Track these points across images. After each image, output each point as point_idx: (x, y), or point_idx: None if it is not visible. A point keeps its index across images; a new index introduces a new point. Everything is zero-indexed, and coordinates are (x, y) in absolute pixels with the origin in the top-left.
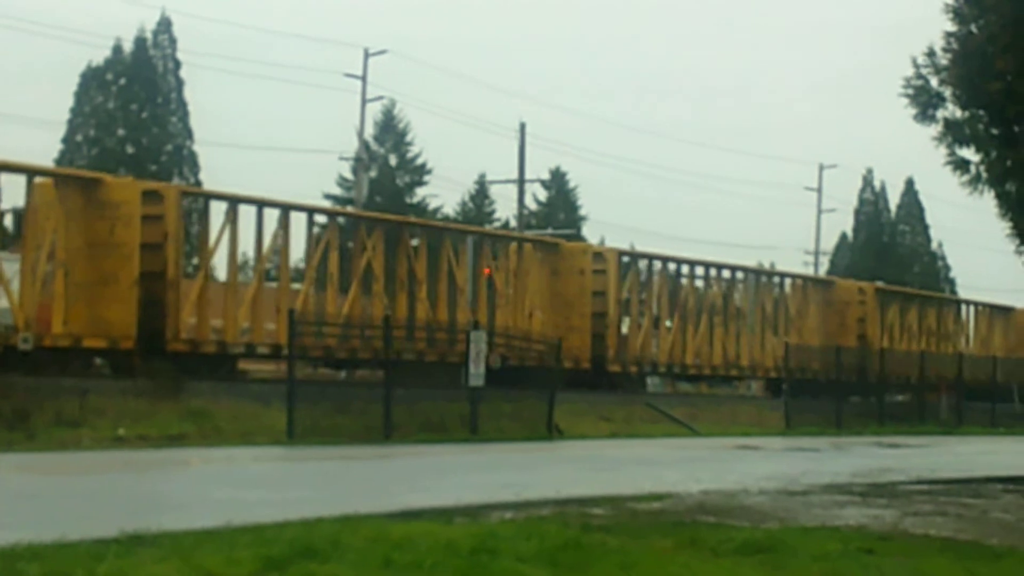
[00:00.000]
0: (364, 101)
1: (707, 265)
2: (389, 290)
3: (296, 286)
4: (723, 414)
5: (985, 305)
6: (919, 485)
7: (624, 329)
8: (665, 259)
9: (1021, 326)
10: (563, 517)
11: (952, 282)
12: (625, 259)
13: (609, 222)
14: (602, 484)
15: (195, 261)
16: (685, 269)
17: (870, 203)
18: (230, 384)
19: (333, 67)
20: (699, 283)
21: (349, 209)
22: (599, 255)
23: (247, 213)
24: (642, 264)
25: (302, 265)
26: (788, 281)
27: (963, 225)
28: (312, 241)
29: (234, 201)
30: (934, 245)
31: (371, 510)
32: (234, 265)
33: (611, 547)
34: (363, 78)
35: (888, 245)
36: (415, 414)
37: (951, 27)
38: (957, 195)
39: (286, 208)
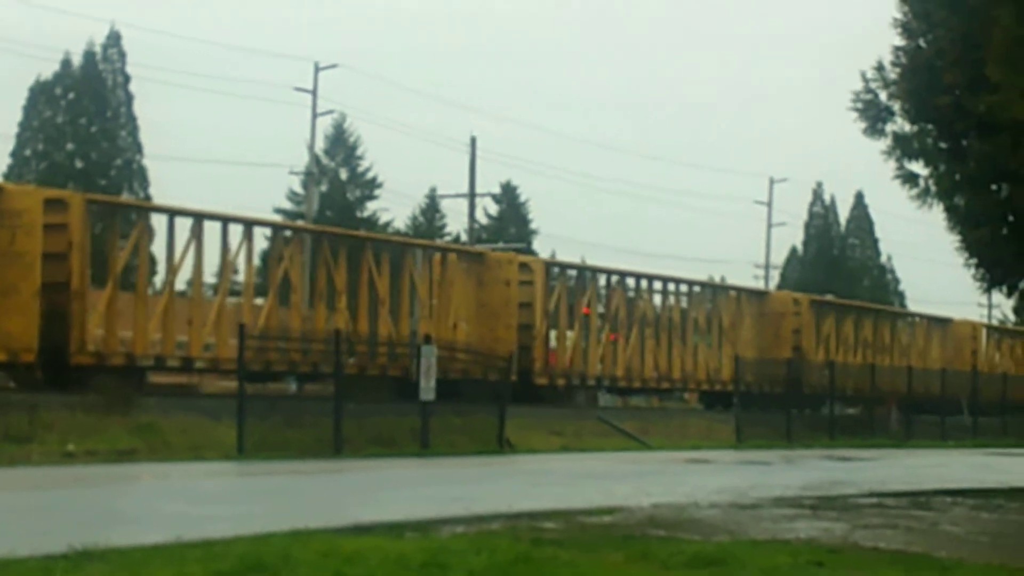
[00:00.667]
0: (315, 115)
1: (639, 276)
2: (310, 301)
3: (210, 296)
4: (674, 428)
5: (924, 316)
6: (869, 498)
7: (553, 342)
8: (596, 270)
9: (959, 337)
10: (514, 531)
11: (901, 295)
12: (555, 270)
13: (560, 236)
14: (553, 498)
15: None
16: (616, 280)
17: (820, 217)
18: (179, 399)
19: (284, 81)
20: (631, 295)
21: (266, 218)
22: (526, 265)
23: (161, 223)
24: (572, 275)
25: (215, 279)
26: (722, 293)
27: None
28: (226, 252)
29: (144, 211)
30: (883, 258)
31: (322, 525)
32: (143, 276)
33: (562, 561)
34: (314, 92)
35: (838, 259)
36: (365, 428)
37: (900, 41)
38: (907, 209)
39: (199, 217)
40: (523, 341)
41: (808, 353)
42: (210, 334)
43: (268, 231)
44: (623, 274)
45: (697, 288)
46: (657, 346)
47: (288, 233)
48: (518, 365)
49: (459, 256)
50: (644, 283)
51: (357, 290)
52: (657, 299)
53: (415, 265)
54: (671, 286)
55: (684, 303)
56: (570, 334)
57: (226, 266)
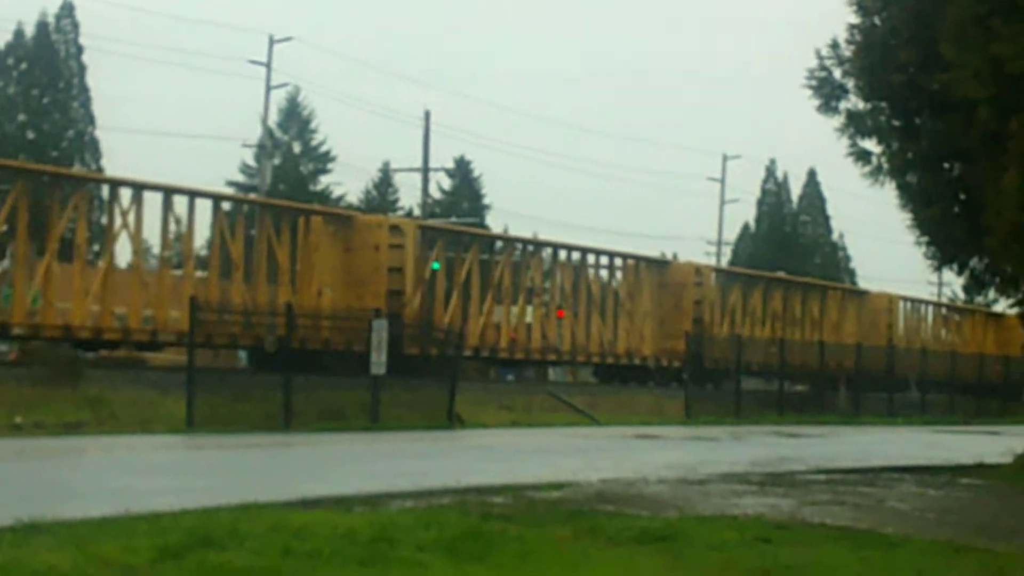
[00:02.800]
0: (268, 88)
1: (525, 243)
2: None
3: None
4: (623, 403)
5: (837, 288)
6: (817, 474)
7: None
8: (477, 236)
9: (875, 310)
10: (463, 506)
11: (852, 272)
12: (429, 233)
13: (514, 211)
14: (502, 473)
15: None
16: (502, 247)
17: (773, 194)
18: (127, 371)
19: (238, 53)
20: (517, 261)
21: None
22: (396, 228)
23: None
24: (452, 241)
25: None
26: (619, 261)
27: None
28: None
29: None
30: (835, 236)
31: (270, 499)
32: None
33: (510, 536)
34: (268, 65)
35: (790, 235)
36: (315, 402)
37: (855, 19)
38: (859, 186)
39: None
40: (392, 308)
41: (711, 326)
42: (151, 306)
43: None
44: (508, 239)
45: (591, 256)
46: (545, 316)
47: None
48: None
49: (324, 219)
50: (532, 249)
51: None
52: (545, 267)
53: (272, 229)
54: (563, 254)
55: (577, 272)
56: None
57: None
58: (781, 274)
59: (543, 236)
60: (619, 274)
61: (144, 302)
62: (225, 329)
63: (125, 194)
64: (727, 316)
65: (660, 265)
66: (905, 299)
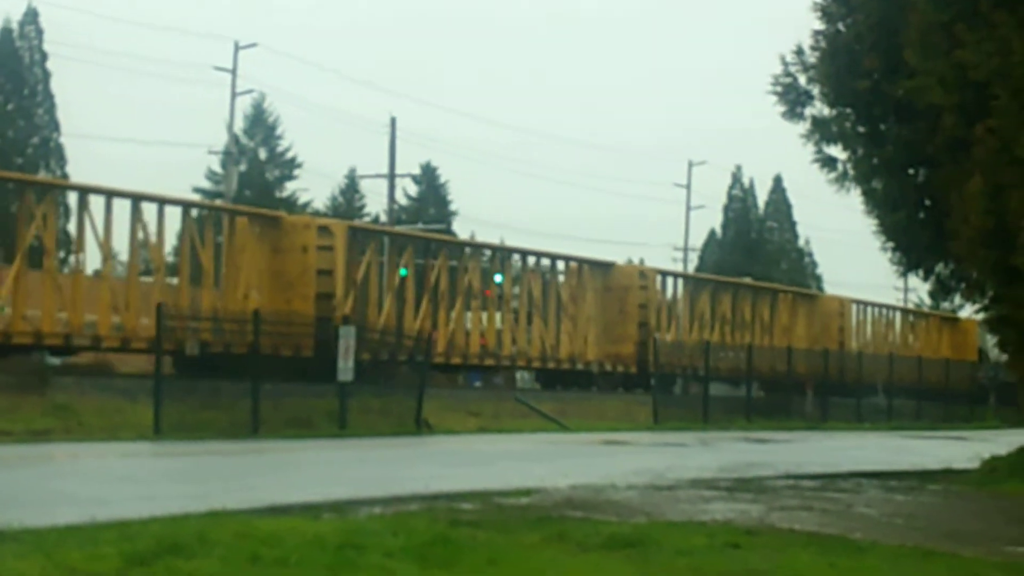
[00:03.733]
0: (234, 94)
1: (464, 245)
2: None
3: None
4: (592, 409)
5: (788, 291)
6: (785, 480)
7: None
8: (411, 238)
9: (826, 313)
10: (431, 512)
11: (819, 278)
12: (361, 236)
13: (481, 218)
14: (470, 479)
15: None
16: (437, 249)
17: (739, 200)
18: (95, 378)
19: (203, 60)
20: (454, 264)
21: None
22: (325, 230)
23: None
24: (386, 243)
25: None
26: (561, 264)
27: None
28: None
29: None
30: (801, 242)
31: (238, 506)
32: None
33: (479, 542)
34: (233, 71)
35: (756, 242)
36: (283, 409)
37: (819, 25)
38: (825, 192)
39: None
40: (322, 312)
41: (658, 330)
42: (120, 313)
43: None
44: (445, 243)
45: (532, 259)
46: (485, 319)
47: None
48: (315, 339)
49: (251, 220)
50: (469, 251)
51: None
52: (484, 269)
53: (195, 230)
54: (502, 256)
55: (519, 275)
56: (384, 305)
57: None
58: (730, 277)
59: (510, 243)
60: (561, 277)
61: (112, 309)
62: (196, 336)
63: (95, 201)
64: (674, 320)
65: (604, 268)
66: (857, 302)
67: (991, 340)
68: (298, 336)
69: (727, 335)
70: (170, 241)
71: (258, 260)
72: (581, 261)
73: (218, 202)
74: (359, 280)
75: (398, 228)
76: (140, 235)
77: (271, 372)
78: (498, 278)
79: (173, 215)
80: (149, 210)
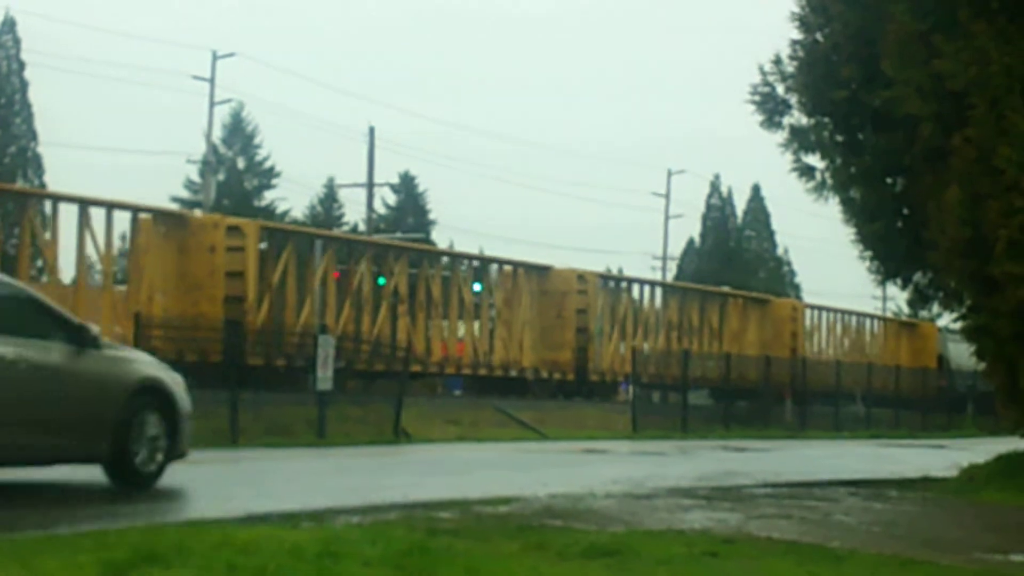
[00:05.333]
0: (212, 103)
1: (387, 247)
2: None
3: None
4: (570, 418)
5: (738, 295)
6: (764, 488)
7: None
8: (330, 238)
9: (779, 318)
10: (410, 521)
11: (797, 287)
12: (282, 236)
13: (459, 227)
14: (449, 488)
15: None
16: (364, 250)
17: (717, 208)
18: None
19: (182, 69)
20: (374, 269)
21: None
22: (236, 229)
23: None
24: (302, 244)
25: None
26: (495, 267)
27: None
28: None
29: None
30: (780, 250)
31: (216, 515)
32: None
33: (457, 551)
34: (211, 80)
35: (734, 250)
36: (262, 418)
37: (797, 35)
38: (803, 201)
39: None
40: (231, 315)
41: (594, 336)
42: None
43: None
44: (368, 244)
45: (465, 262)
46: (412, 325)
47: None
48: (224, 344)
49: (155, 218)
50: (394, 255)
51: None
52: (410, 273)
53: (89, 229)
54: (431, 259)
55: (447, 278)
56: (302, 310)
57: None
58: (674, 281)
59: (489, 252)
60: (495, 280)
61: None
62: (171, 346)
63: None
64: (616, 325)
65: (540, 271)
66: (810, 307)
67: (952, 346)
68: (205, 341)
69: (672, 341)
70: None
71: (163, 261)
72: (516, 264)
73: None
74: (275, 283)
75: (316, 229)
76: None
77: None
78: (477, 287)
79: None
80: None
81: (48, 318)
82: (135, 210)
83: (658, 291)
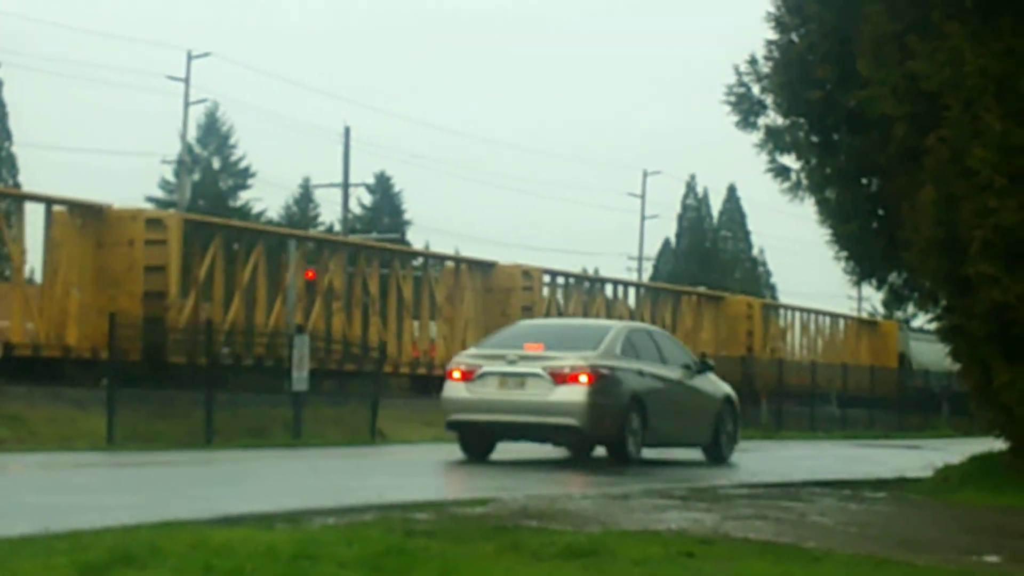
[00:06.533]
0: (187, 103)
1: (320, 241)
2: None
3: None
4: None
5: (692, 293)
6: (740, 489)
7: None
8: (261, 232)
9: (733, 316)
10: (386, 522)
11: (773, 288)
12: (209, 230)
13: (435, 227)
14: (425, 489)
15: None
16: (296, 247)
17: (693, 209)
18: (47, 388)
19: (157, 69)
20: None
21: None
22: (157, 222)
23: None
24: (231, 238)
25: None
26: (437, 263)
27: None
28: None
29: None
30: (755, 251)
31: (191, 516)
32: None
33: (433, 552)
34: (186, 80)
35: (710, 251)
36: (237, 419)
37: (772, 35)
38: (779, 202)
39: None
40: (152, 312)
41: None
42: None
43: None
44: (300, 238)
45: (405, 260)
46: (348, 322)
47: None
48: (143, 341)
49: (71, 211)
50: (330, 250)
51: None
52: (349, 268)
53: (8, 224)
54: (368, 254)
55: (390, 274)
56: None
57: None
58: (629, 280)
59: (465, 252)
60: (437, 277)
61: (53, 317)
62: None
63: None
64: None
65: (484, 268)
66: (766, 304)
67: (914, 345)
68: (122, 338)
69: None
70: None
71: (80, 255)
72: (459, 260)
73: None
74: (202, 278)
75: (244, 223)
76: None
77: (85, 377)
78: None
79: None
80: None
81: (681, 353)
82: (49, 202)
83: (608, 288)
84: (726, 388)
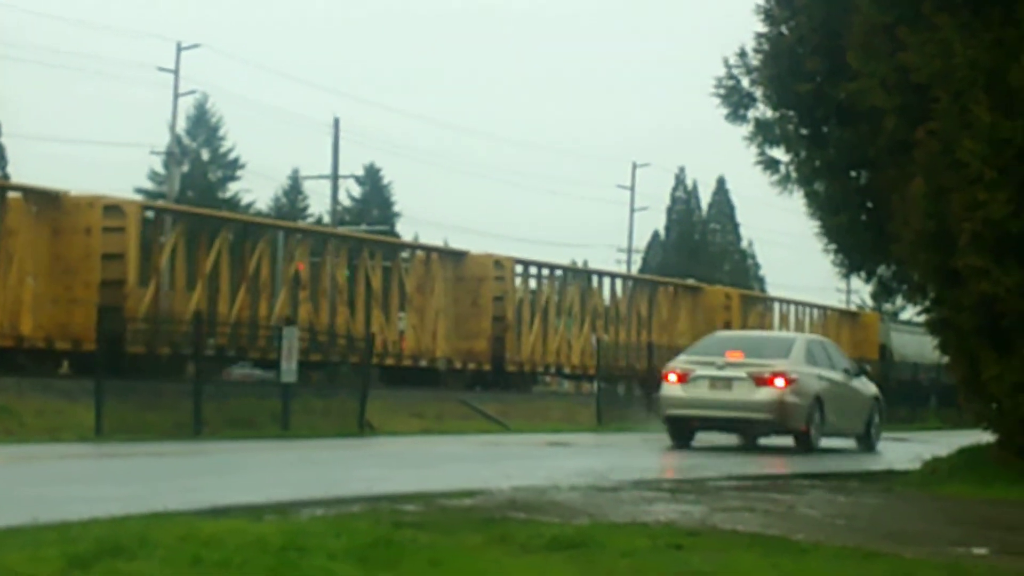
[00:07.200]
0: (176, 95)
1: (285, 230)
2: None
3: None
4: (535, 410)
5: (668, 283)
6: (728, 481)
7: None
8: (225, 220)
9: (711, 307)
10: (374, 514)
11: (762, 280)
12: (171, 218)
13: (424, 219)
14: (413, 480)
15: None
16: (262, 235)
17: (682, 202)
18: (35, 380)
19: (146, 61)
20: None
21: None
22: (115, 209)
23: None
24: (194, 226)
25: None
26: (406, 253)
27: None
28: None
29: None
30: (744, 243)
31: (180, 507)
32: None
33: (421, 544)
34: (176, 72)
35: (699, 243)
36: (225, 410)
37: (762, 28)
38: (768, 194)
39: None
40: (109, 301)
41: (512, 324)
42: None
43: None
44: (262, 225)
45: (370, 247)
46: (315, 312)
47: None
48: (98, 331)
49: (27, 198)
50: (300, 237)
51: None
52: (312, 256)
53: None
54: (333, 243)
55: (352, 263)
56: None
57: None
58: (606, 270)
59: (454, 244)
60: (406, 266)
61: (7, 306)
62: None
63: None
64: (538, 313)
65: (455, 257)
66: (744, 295)
67: (895, 336)
68: (79, 327)
69: (599, 330)
70: None
71: (35, 243)
72: (429, 249)
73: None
74: (162, 267)
75: (207, 210)
76: None
77: (40, 368)
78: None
79: None
80: None
81: (842, 359)
82: (3, 188)
83: (581, 279)
84: (874, 388)
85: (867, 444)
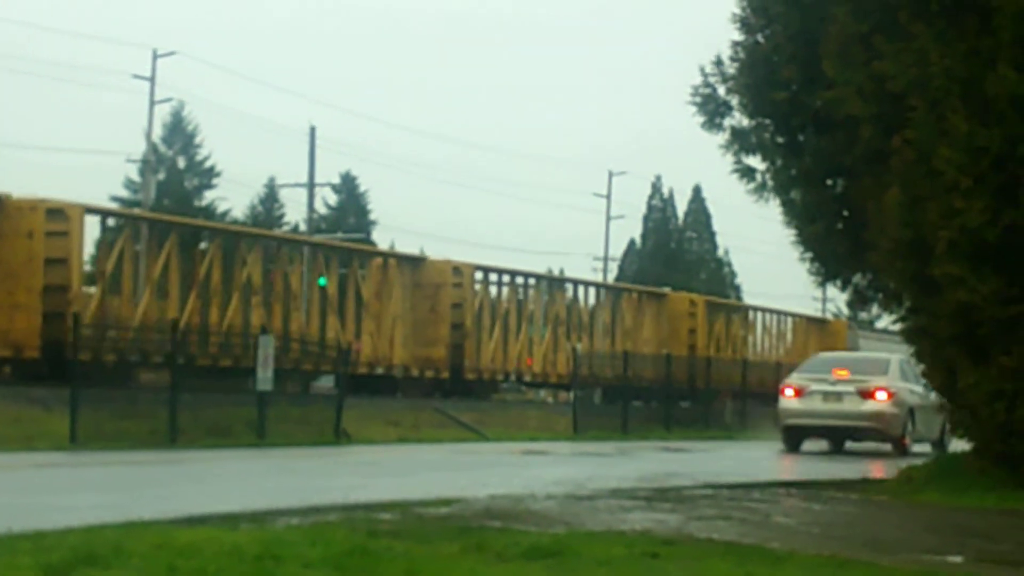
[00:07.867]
0: (152, 102)
1: (243, 235)
2: None
3: None
4: (512, 419)
5: (632, 290)
6: (704, 489)
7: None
8: (175, 224)
9: (676, 314)
10: (350, 523)
11: (738, 288)
12: (112, 222)
13: (400, 227)
14: (390, 489)
15: None
16: (212, 238)
17: (659, 210)
18: (8, 388)
19: (122, 68)
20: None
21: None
22: (58, 213)
23: None
24: (144, 230)
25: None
26: (363, 258)
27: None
28: None
29: None
30: (720, 252)
31: (155, 516)
32: None
33: (397, 552)
34: (152, 79)
35: (675, 251)
36: (202, 419)
37: (738, 36)
38: (744, 202)
39: None
40: (52, 308)
41: (471, 332)
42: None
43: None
44: (216, 230)
45: (326, 254)
46: (268, 318)
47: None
48: (44, 339)
49: None
50: (249, 243)
51: None
52: (266, 263)
53: None
54: (291, 248)
55: (306, 269)
56: (138, 300)
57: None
58: (553, 274)
59: (431, 253)
60: (363, 272)
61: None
62: (111, 344)
63: None
64: (499, 320)
65: (414, 263)
66: (710, 302)
67: (863, 343)
68: (20, 333)
69: (561, 337)
70: None
71: None
72: (387, 255)
73: None
74: (108, 272)
75: (154, 215)
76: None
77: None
78: (321, 280)
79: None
80: None
81: (919, 375)
82: None
83: (544, 285)
84: (916, 399)
85: (941, 448)
